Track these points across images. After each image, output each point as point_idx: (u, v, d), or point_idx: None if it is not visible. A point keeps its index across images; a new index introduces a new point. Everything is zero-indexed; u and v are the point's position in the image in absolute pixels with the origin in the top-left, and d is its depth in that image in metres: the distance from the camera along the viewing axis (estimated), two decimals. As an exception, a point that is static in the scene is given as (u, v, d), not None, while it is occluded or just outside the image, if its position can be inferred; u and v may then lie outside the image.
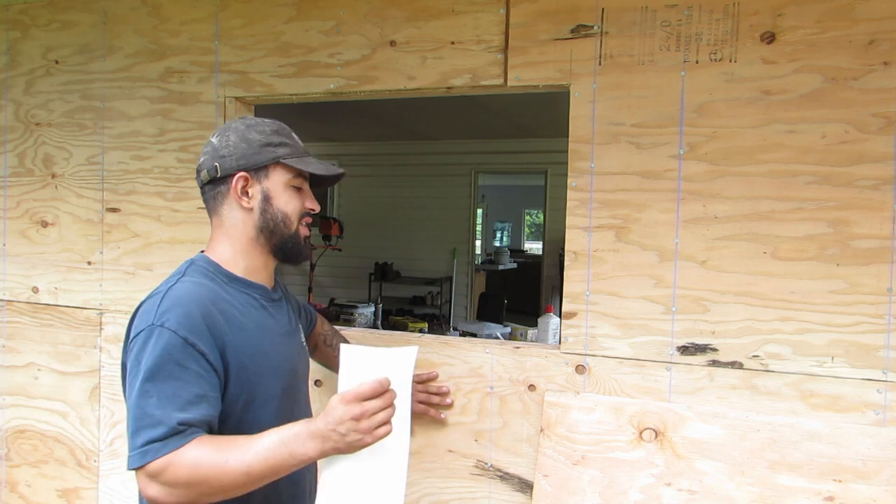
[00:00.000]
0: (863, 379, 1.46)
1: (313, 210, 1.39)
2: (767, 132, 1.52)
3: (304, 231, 1.38)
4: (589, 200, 1.66)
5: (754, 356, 1.53)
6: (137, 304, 1.27)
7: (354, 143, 7.20)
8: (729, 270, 1.55)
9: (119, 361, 1.30)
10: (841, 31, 1.47)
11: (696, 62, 1.57)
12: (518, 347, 1.74)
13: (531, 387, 1.71)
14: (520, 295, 7.54)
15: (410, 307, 6.93)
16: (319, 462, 1.19)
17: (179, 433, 1.10)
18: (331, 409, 1.11)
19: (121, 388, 1.24)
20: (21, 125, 2.32)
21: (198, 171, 1.35)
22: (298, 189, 1.36)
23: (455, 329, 5.05)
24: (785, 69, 1.51)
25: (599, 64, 1.65)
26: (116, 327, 2.16)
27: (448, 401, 1.75)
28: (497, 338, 4.05)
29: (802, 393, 1.50)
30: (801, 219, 1.50)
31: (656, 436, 1.55)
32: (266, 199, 1.32)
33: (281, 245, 1.35)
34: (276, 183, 1.33)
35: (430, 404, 1.74)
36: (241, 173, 1.30)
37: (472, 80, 1.76)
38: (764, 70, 1.52)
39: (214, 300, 1.24)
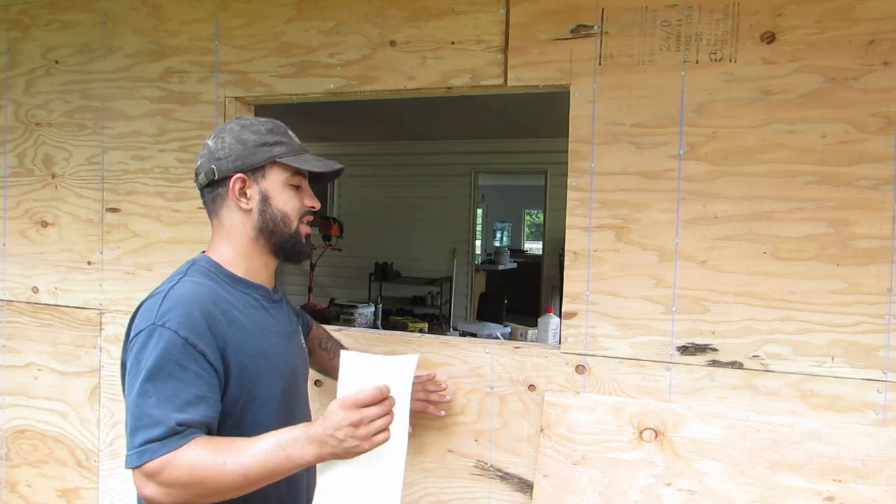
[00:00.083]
0: (863, 379, 1.46)
1: (313, 208, 1.38)
2: (767, 132, 1.52)
3: (304, 229, 1.37)
4: (589, 200, 1.66)
5: (754, 356, 1.53)
6: (137, 304, 1.27)
7: (354, 143, 7.20)
8: (729, 270, 1.55)
9: (119, 361, 1.30)
10: (841, 31, 1.47)
11: (696, 62, 1.57)
12: (518, 347, 1.74)
13: (531, 387, 1.71)
14: (520, 295, 7.54)
15: (410, 307, 6.93)
16: (318, 466, 1.19)
17: (178, 434, 1.10)
18: (330, 415, 1.10)
19: (121, 389, 1.24)
20: (21, 125, 2.32)
21: (196, 174, 1.35)
22: (297, 187, 1.35)
23: (455, 329, 5.05)
24: (785, 69, 1.51)
25: (599, 64, 1.65)
26: (116, 327, 2.16)
27: (447, 397, 1.75)
28: (497, 338, 4.05)
29: (802, 393, 1.50)
30: (801, 219, 1.50)
31: (656, 436, 1.55)
32: (264, 200, 1.31)
33: (281, 245, 1.34)
34: (274, 182, 1.32)
35: (428, 401, 1.74)
36: (238, 175, 1.30)
37: (472, 80, 1.76)
38: (764, 70, 1.52)
39: (216, 300, 1.23)
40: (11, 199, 2.34)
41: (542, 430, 1.64)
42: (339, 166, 1.42)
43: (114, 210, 2.18)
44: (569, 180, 1.68)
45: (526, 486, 1.70)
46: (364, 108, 5.07)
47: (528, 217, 15.27)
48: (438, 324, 6.26)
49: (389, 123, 5.98)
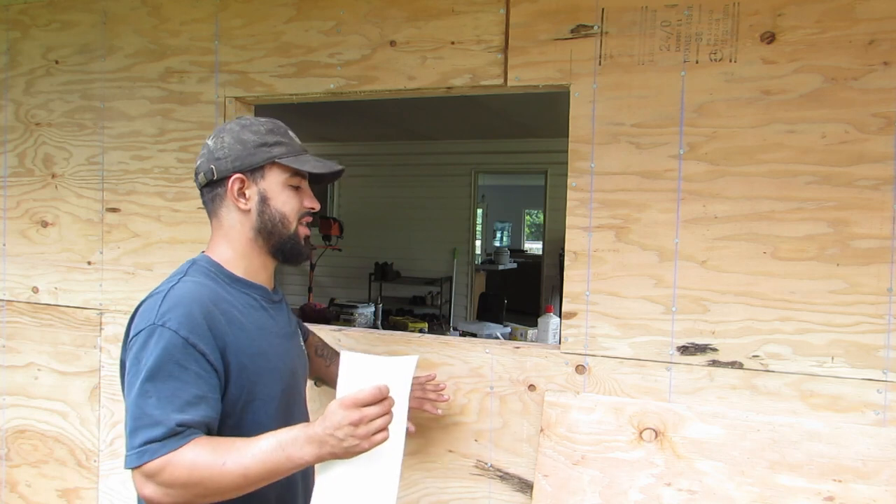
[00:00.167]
0: (863, 379, 1.46)
1: (313, 209, 1.37)
2: (767, 132, 1.52)
3: (303, 231, 1.37)
4: (589, 200, 1.66)
5: (754, 356, 1.53)
6: (137, 304, 1.27)
7: (354, 143, 7.20)
8: (729, 270, 1.55)
9: (119, 361, 1.30)
10: (841, 31, 1.47)
11: (696, 62, 1.57)
12: (518, 347, 1.74)
13: (531, 387, 1.71)
14: (520, 295, 7.54)
15: (410, 307, 6.93)
16: (316, 466, 1.19)
17: (178, 434, 1.10)
18: (329, 414, 1.10)
19: (120, 389, 1.24)
20: (21, 125, 2.32)
21: (195, 174, 1.34)
22: (296, 188, 1.35)
23: (455, 329, 5.05)
24: (785, 69, 1.51)
25: (599, 64, 1.65)
26: (116, 327, 2.16)
27: (445, 396, 1.75)
28: (497, 338, 4.05)
29: (802, 393, 1.50)
30: (801, 219, 1.50)
31: (656, 436, 1.55)
32: (263, 200, 1.31)
33: (280, 246, 1.34)
34: (273, 183, 1.31)
35: (426, 399, 1.73)
36: (237, 175, 1.29)
37: (472, 80, 1.76)
38: (764, 70, 1.52)
39: (216, 300, 1.23)
40: (11, 199, 2.34)
41: (542, 430, 1.64)
42: (339, 167, 1.41)
43: (114, 210, 2.18)
44: (569, 180, 1.68)
45: (526, 486, 1.70)
46: (364, 108, 5.07)
47: (528, 217, 15.27)
48: (438, 324, 6.26)
49: (389, 123, 5.98)
